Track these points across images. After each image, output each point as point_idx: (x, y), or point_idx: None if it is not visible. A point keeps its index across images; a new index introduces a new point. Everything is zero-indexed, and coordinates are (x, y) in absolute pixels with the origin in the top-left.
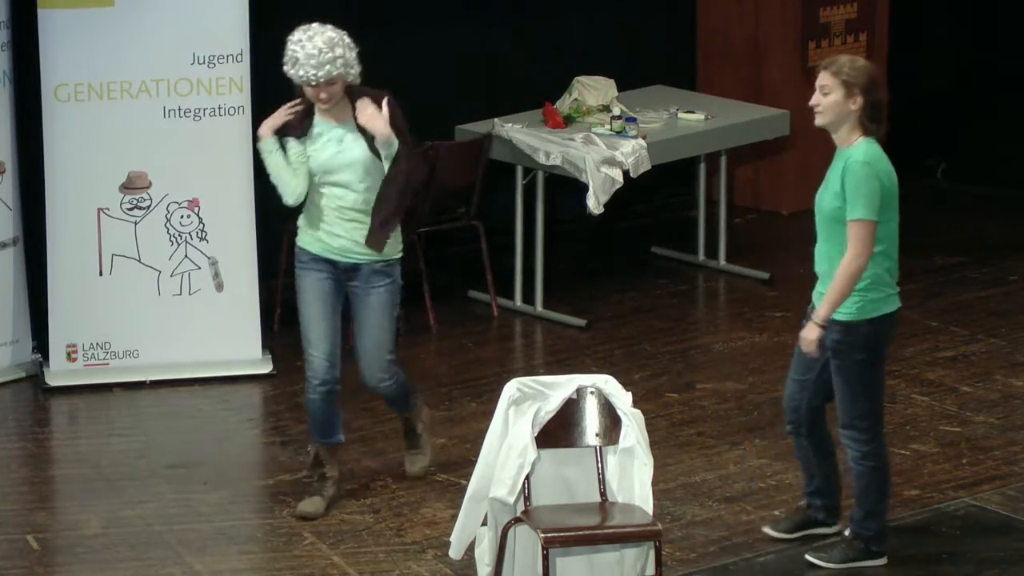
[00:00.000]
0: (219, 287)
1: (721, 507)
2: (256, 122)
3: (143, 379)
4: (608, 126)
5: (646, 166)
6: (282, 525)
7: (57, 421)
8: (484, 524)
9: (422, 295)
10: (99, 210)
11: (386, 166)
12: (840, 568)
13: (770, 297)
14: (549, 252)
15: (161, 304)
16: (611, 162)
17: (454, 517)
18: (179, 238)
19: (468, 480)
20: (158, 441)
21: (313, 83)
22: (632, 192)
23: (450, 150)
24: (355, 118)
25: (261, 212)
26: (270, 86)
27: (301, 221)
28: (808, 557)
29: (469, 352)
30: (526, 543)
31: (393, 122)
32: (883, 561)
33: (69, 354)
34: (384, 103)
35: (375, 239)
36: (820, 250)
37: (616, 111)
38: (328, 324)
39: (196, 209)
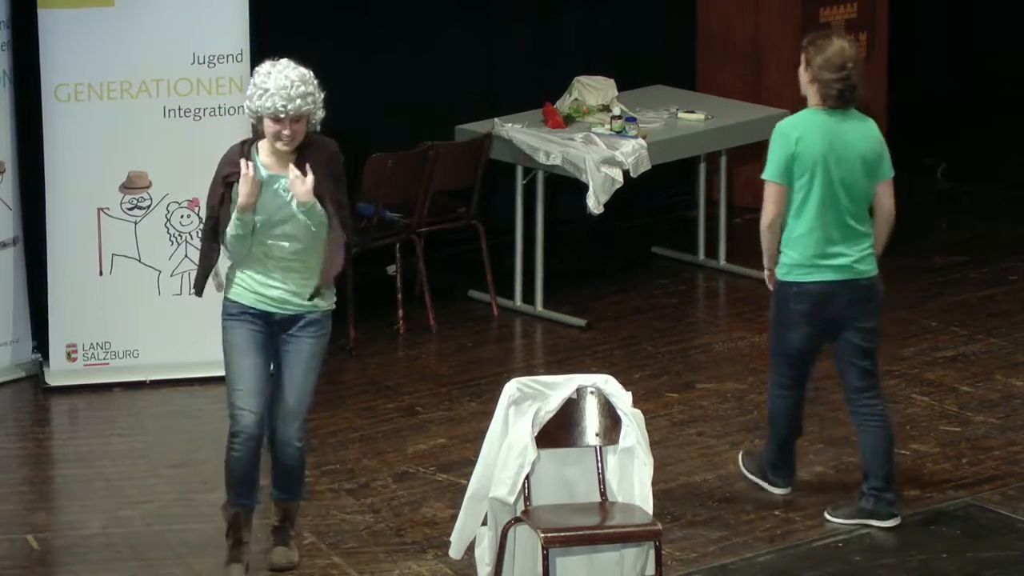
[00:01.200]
0: (219, 287)
1: (721, 507)
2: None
3: (143, 379)
4: (608, 126)
5: (646, 166)
6: None
7: (57, 421)
8: (484, 524)
9: (422, 295)
10: (99, 210)
11: (312, 226)
12: (745, 474)
13: (770, 297)
14: (549, 252)
15: (161, 304)
16: (611, 162)
17: (454, 517)
18: (179, 238)
19: (468, 480)
20: (158, 441)
21: (281, 115)
22: (632, 192)
23: (450, 150)
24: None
25: None
26: None
27: (231, 273)
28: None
29: (469, 352)
30: (526, 543)
31: (326, 188)
32: (776, 490)
33: (69, 354)
34: (309, 168)
35: (319, 291)
36: None
37: (616, 111)
38: (261, 378)
39: (196, 209)
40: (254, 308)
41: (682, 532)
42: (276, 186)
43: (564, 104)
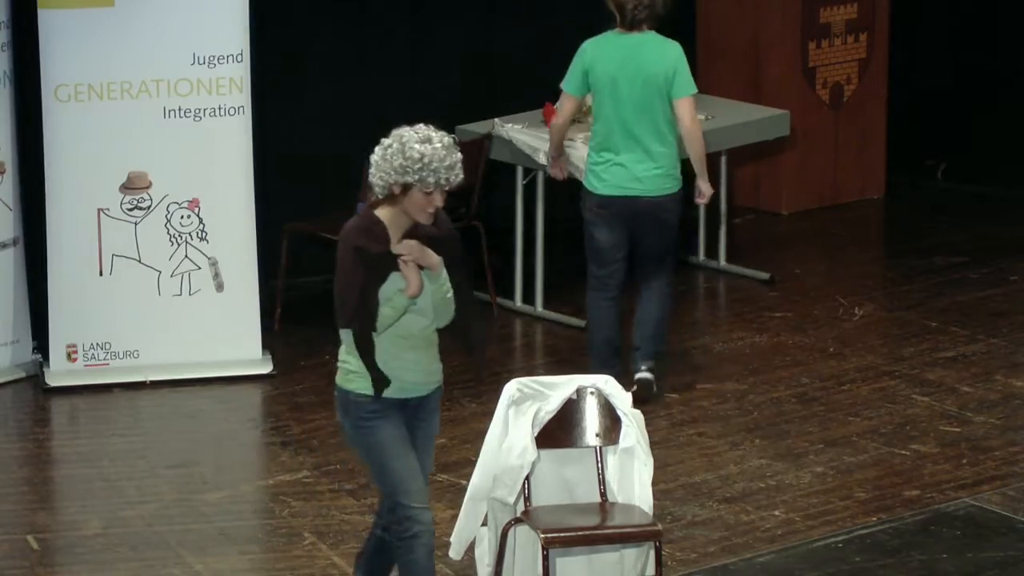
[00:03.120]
0: (219, 287)
1: (721, 507)
2: (256, 122)
3: (143, 379)
4: None
5: None
6: (282, 525)
7: (57, 421)
8: (484, 524)
9: None
10: (99, 210)
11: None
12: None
13: (770, 297)
14: (549, 252)
15: (161, 304)
16: None
17: (454, 517)
18: (179, 238)
19: (468, 480)
20: (158, 441)
21: (443, 185)
22: None
23: None
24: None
25: (261, 212)
26: (269, 86)
27: (355, 364)
28: None
29: None
30: (526, 543)
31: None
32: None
33: (69, 354)
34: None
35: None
36: None
37: None
38: (420, 472)
39: (196, 209)
40: (391, 400)
41: (682, 532)
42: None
43: None
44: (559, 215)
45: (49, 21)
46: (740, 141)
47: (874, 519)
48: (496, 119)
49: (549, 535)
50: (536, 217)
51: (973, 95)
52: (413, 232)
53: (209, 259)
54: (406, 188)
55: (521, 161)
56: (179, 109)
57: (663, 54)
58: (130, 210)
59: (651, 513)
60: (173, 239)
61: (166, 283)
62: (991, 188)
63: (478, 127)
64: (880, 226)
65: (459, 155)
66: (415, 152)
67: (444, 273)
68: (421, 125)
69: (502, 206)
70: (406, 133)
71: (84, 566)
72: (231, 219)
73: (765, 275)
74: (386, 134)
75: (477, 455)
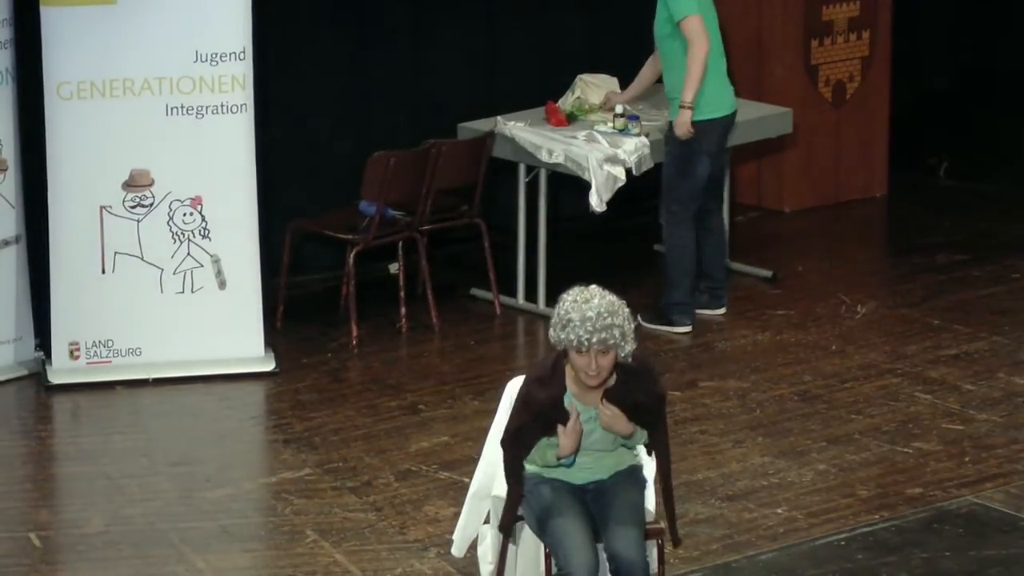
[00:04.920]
0: (222, 285)
1: (723, 505)
2: (258, 120)
3: (146, 377)
4: (611, 124)
5: (649, 164)
6: (285, 523)
7: (59, 419)
8: (486, 522)
9: (424, 293)
10: (101, 208)
11: (640, 440)
12: (650, 328)
13: (772, 295)
14: (551, 250)
15: (164, 302)
16: (614, 160)
17: (456, 515)
18: (181, 236)
19: (470, 478)
20: (160, 439)
21: (584, 348)
22: (634, 190)
23: (452, 148)
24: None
25: (263, 209)
26: (272, 84)
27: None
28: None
29: (472, 350)
30: (528, 542)
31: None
32: (682, 329)
33: (72, 352)
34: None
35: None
36: (664, 77)
37: (619, 109)
38: (590, 535)
39: (198, 207)
40: (561, 480)
41: (684, 530)
42: (583, 416)
43: (566, 102)
44: (561, 213)
45: (51, 18)
46: (742, 139)
47: (876, 517)
48: (498, 117)
49: None
50: (538, 215)
51: (975, 93)
52: (614, 391)
53: (211, 257)
54: (566, 346)
55: (523, 159)
56: (181, 107)
57: None
58: (132, 208)
59: (653, 511)
60: (175, 237)
61: (168, 281)
62: (993, 186)
63: (480, 125)
64: (882, 224)
65: (617, 320)
66: (562, 310)
67: (637, 433)
68: (595, 286)
69: (504, 204)
70: (572, 291)
71: (86, 564)
72: (233, 217)
73: (767, 273)
74: (389, 132)
75: (479, 453)
